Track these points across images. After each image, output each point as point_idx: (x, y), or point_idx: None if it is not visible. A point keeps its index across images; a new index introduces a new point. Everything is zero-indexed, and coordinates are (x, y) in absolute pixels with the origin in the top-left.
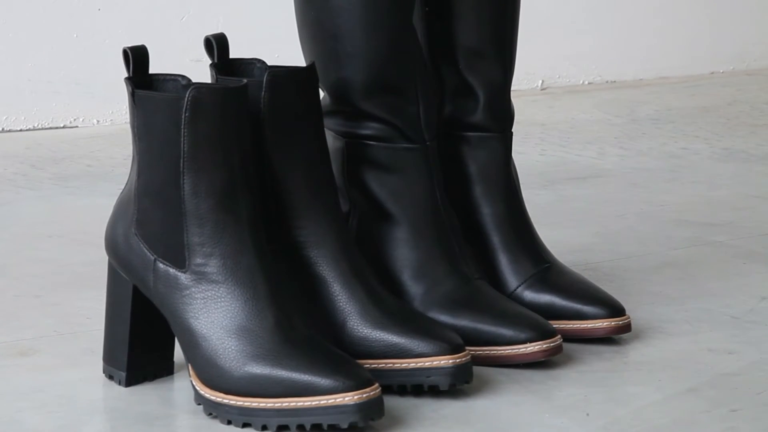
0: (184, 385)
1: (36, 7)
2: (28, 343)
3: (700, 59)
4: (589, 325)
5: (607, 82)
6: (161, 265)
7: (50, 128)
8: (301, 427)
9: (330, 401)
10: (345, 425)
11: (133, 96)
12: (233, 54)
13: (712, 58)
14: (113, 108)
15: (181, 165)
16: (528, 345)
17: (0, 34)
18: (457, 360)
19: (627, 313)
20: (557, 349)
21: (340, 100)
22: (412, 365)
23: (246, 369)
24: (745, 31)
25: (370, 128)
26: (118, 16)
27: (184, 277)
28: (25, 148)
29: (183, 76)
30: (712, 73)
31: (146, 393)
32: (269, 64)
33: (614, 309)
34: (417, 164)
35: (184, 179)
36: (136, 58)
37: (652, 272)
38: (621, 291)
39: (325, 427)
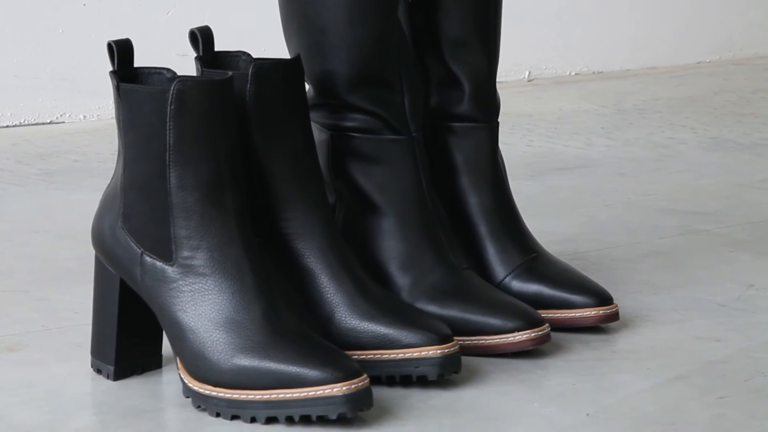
0: (172, 378)
1: (21, 3)
2: (16, 338)
3: (687, 49)
4: (577, 314)
5: (593, 72)
6: (148, 259)
7: (36, 124)
8: (289, 418)
9: (318, 392)
10: (334, 416)
11: (118, 89)
12: (218, 48)
13: (699, 48)
14: (100, 103)
15: (167, 158)
16: (516, 334)
17: None
18: (446, 350)
19: (615, 301)
20: (545, 338)
21: (326, 93)
22: (401, 356)
23: (234, 361)
24: (731, 20)
25: (355, 120)
26: (104, 11)
27: (171, 270)
28: (12, 144)
29: (168, 69)
30: (699, 62)
31: (134, 387)
32: (255, 57)
33: (602, 298)
34: (403, 155)
35: (170, 172)
36: (121, 51)
37: (640, 261)
38: (608, 280)
39: (313, 418)
